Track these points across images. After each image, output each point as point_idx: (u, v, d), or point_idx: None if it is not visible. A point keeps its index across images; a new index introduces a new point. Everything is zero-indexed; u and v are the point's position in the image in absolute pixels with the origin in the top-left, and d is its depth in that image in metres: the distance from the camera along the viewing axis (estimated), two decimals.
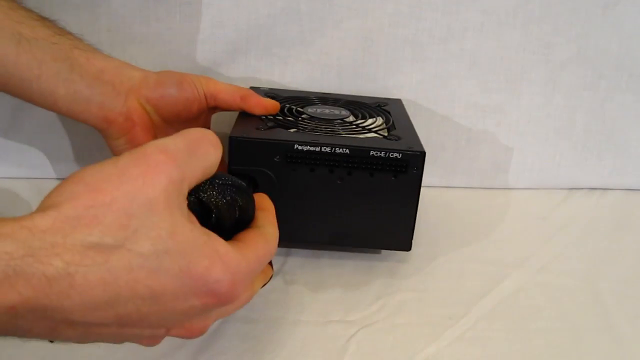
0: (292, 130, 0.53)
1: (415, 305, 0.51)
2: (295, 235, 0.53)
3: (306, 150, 0.50)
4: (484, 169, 0.71)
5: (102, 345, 0.42)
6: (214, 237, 0.32)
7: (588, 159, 0.71)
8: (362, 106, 0.62)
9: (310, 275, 0.54)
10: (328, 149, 0.50)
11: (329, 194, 0.51)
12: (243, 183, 0.38)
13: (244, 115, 0.56)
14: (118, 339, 0.33)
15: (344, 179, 0.51)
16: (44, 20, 0.51)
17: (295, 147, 0.50)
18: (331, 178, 0.51)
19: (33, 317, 0.28)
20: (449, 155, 0.70)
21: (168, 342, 0.46)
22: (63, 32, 0.51)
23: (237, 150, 0.50)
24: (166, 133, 0.55)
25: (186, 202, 0.32)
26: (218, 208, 0.36)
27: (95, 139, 0.56)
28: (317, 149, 0.50)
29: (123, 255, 0.28)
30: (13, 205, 0.63)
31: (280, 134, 0.52)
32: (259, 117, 0.55)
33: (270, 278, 0.44)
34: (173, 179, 0.30)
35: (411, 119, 0.63)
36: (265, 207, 0.41)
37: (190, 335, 0.34)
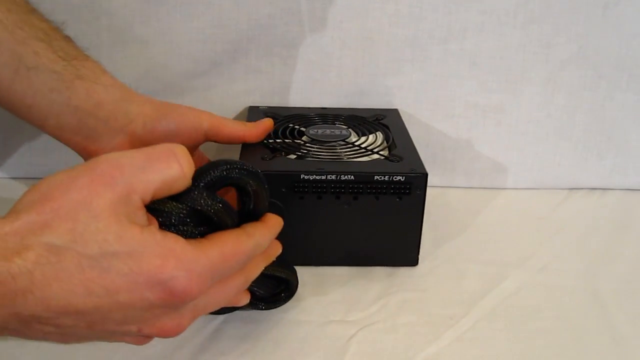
0: (295, 157, 0.55)
1: (416, 305, 0.52)
2: (305, 258, 0.55)
3: (312, 179, 0.51)
4: (484, 169, 0.71)
5: (102, 346, 0.42)
6: (171, 237, 0.34)
7: (588, 159, 0.71)
8: (361, 122, 0.63)
9: (310, 275, 0.54)
10: (333, 177, 0.51)
11: (337, 219, 0.53)
12: (251, 167, 0.40)
13: (248, 143, 0.56)
14: (95, 338, 0.35)
15: (350, 203, 0.52)
16: (52, 39, 0.48)
17: (302, 177, 0.51)
18: (338, 204, 0.52)
19: (6, 313, 0.30)
20: (449, 155, 0.70)
21: (168, 342, 0.46)
22: (69, 55, 0.49)
23: None
24: None
25: (141, 210, 0.33)
26: (216, 214, 0.37)
27: None
28: (323, 177, 0.51)
29: (73, 256, 0.31)
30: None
31: (285, 164, 0.53)
32: (262, 144, 0.56)
33: (284, 263, 0.46)
34: (118, 190, 0.32)
35: (411, 119, 0.63)
36: (265, 219, 0.42)
37: (164, 334, 0.35)
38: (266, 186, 0.41)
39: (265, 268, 0.43)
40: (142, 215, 0.33)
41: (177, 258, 0.33)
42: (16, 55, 0.46)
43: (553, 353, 0.47)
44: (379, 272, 0.55)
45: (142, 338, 0.36)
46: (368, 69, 0.67)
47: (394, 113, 0.66)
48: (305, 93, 0.68)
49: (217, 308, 0.39)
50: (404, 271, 0.56)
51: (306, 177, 0.51)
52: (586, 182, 0.72)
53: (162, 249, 0.33)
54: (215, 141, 0.55)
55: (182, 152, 0.35)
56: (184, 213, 0.36)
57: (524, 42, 0.66)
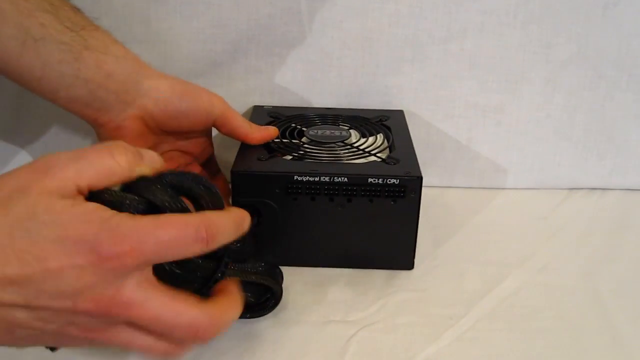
0: (291, 158, 0.54)
1: (416, 305, 0.52)
2: (299, 259, 0.55)
3: (306, 180, 0.51)
4: (484, 169, 0.71)
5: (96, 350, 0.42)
6: (101, 207, 0.34)
7: (588, 159, 0.71)
8: (363, 122, 0.63)
9: (310, 275, 0.54)
10: (327, 178, 0.51)
11: (331, 221, 0.53)
12: (206, 182, 0.39)
13: (246, 144, 0.56)
14: (37, 321, 0.33)
15: (344, 206, 0.52)
16: (59, 10, 0.48)
17: (295, 177, 0.51)
18: (332, 206, 0.52)
19: None
20: (449, 155, 0.70)
21: None
22: (77, 25, 0.48)
23: (239, 183, 0.51)
24: (164, 140, 0.55)
25: (78, 196, 0.34)
26: (165, 204, 0.36)
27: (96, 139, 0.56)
28: (316, 178, 0.51)
29: (5, 230, 0.32)
30: None
31: (280, 165, 0.53)
32: (261, 144, 0.56)
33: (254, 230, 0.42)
34: (51, 176, 0.34)
35: (411, 119, 0.62)
36: (229, 209, 0.39)
37: (104, 310, 0.33)
38: (223, 202, 0.40)
39: (248, 275, 0.43)
40: (77, 197, 0.34)
41: (103, 221, 0.33)
42: (22, 27, 0.46)
43: (553, 353, 0.47)
44: (379, 273, 0.55)
45: (87, 330, 0.35)
46: (368, 69, 0.67)
47: (399, 114, 0.66)
48: (305, 93, 0.68)
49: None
50: (403, 271, 0.55)
51: (299, 178, 0.51)
52: (586, 182, 0.72)
53: (90, 215, 0.33)
54: (218, 129, 0.55)
55: (117, 146, 0.36)
56: (141, 208, 0.35)
57: (524, 42, 0.66)
